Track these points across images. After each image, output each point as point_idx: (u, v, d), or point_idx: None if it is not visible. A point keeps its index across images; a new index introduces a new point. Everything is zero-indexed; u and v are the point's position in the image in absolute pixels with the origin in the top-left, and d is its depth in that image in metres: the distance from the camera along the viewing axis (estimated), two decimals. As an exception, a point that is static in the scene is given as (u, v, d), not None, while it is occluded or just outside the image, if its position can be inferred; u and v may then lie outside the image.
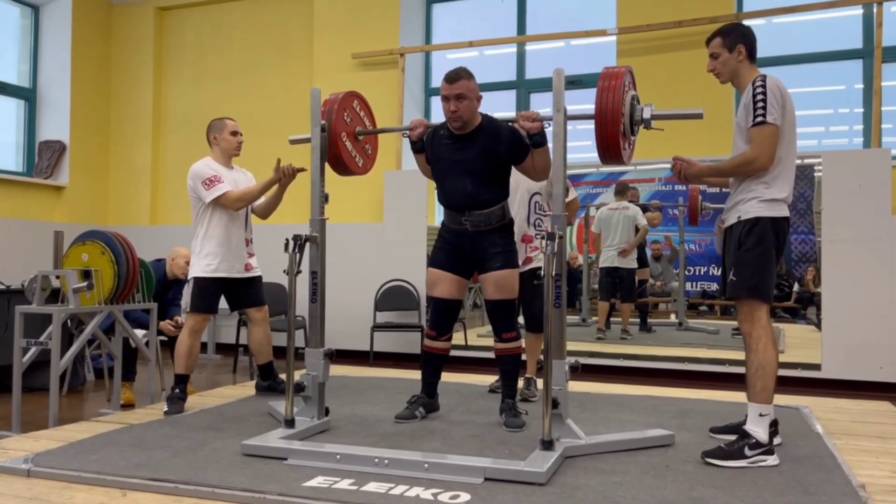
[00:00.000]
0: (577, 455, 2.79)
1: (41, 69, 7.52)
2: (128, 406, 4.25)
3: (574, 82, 6.33)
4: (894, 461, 2.85)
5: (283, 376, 4.02)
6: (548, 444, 2.67)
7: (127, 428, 3.29)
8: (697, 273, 7.07)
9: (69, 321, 4.46)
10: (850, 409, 3.93)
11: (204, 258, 3.80)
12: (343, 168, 3.51)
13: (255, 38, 7.46)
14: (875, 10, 5.48)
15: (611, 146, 2.85)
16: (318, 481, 2.48)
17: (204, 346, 6.77)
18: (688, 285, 7.05)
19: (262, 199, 3.94)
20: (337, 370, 4.63)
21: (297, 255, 3.14)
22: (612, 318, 6.68)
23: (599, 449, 2.87)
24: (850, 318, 5.16)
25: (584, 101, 6.64)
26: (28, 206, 7.12)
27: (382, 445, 2.92)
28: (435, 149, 3.43)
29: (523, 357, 3.63)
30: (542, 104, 6.83)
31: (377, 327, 6.19)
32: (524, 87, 6.83)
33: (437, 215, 3.62)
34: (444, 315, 3.47)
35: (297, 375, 3.19)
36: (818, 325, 5.63)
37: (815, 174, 5.88)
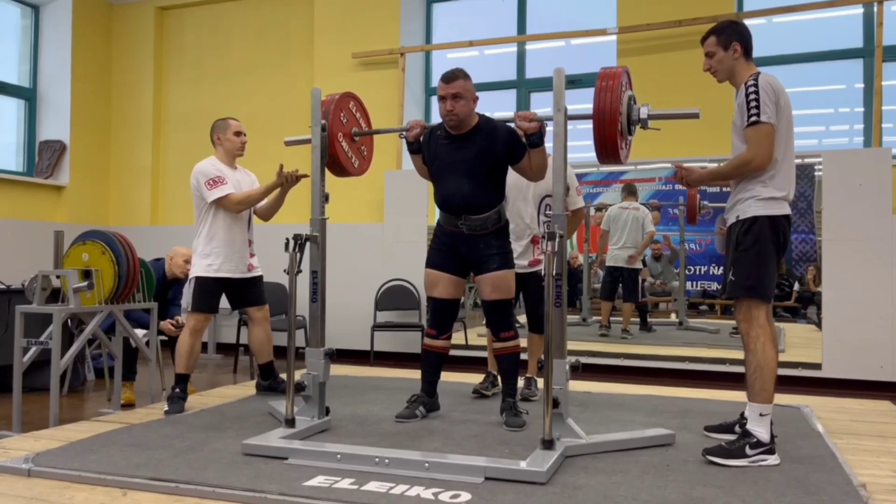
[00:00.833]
0: (578, 454, 2.79)
1: (41, 69, 7.52)
2: (128, 406, 4.25)
3: (574, 82, 6.33)
4: (895, 460, 2.85)
5: (283, 376, 4.02)
6: (548, 444, 2.68)
7: (127, 428, 3.29)
8: (698, 272, 7.07)
9: (69, 321, 4.46)
10: (851, 408, 3.93)
11: (206, 258, 3.79)
12: (339, 169, 3.51)
13: (255, 38, 7.46)
14: (875, 9, 5.48)
15: (609, 146, 2.87)
16: (318, 481, 2.48)
17: (204, 346, 6.76)
18: (688, 285, 7.05)
19: (264, 202, 3.94)
20: (337, 370, 4.63)
21: (298, 254, 3.14)
22: (612, 318, 6.68)
23: (600, 448, 2.87)
24: (851, 318, 5.16)
25: (584, 101, 6.60)
26: (28, 206, 7.12)
27: (383, 445, 2.92)
28: (432, 149, 3.44)
29: (523, 356, 3.63)
30: (542, 104, 6.83)
31: (377, 327, 6.19)
32: (524, 86, 6.83)
33: (438, 215, 3.62)
34: (445, 314, 3.48)
35: (298, 375, 3.19)
36: (819, 325, 5.63)
37: (816, 173, 5.88)
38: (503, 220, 3.44)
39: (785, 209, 2.85)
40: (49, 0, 7.46)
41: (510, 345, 3.41)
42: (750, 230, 2.82)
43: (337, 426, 3.29)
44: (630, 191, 6.62)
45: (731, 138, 2.94)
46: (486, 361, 4.24)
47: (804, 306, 7.08)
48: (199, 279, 3.79)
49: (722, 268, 6.43)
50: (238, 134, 3.91)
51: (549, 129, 2.99)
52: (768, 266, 2.82)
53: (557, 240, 2.75)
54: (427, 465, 2.56)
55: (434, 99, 7.15)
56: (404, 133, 3.47)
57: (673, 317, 7.18)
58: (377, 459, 2.61)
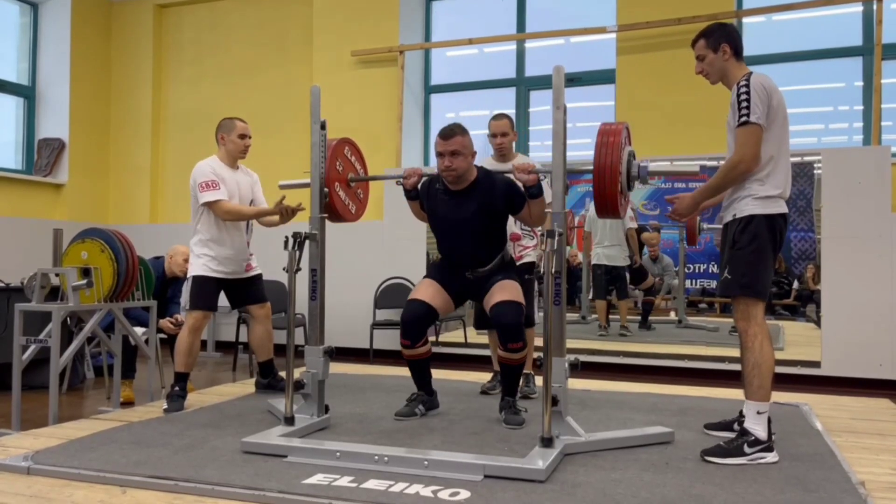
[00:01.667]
0: (577, 452, 2.79)
1: (40, 67, 7.51)
2: (127, 404, 4.25)
3: (574, 80, 6.34)
4: (894, 458, 2.85)
5: (282, 374, 4.02)
6: (547, 442, 2.68)
7: (127, 426, 3.29)
8: (697, 271, 7.08)
9: (69, 319, 4.46)
10: (850, 406, 3.93)
11: (203, 257, 3.79)
12: (336, 216, 3.50)
13: (254, 36, 7.46)
14: (875, 7, 5.48)
15: (609, 203, 2.90)
16: (317, 478, 2.48)
17: (204, 344, 6.77)
18: (687, 283, 7.06)
19: (265, 218, 3.90)
20: (337, 368, 4.62)
21: (297, 252, 3.14)
22: (610, 316, 6.69)
23: (599, 446, 2.87)
24: (850, 316, 5.16)
25: (583, 99, 6.69)
26: (27, 204, 7.12)
27: (382, 443, 2.92)
28: (431, 203, 3.46)
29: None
30: (541, 101, 6.84)
31: (377, 325, 6.19)
32: (524, 84, 6.83)
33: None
34: (417, 323, 3.36)
35: (297, 373, 3.19)
36: (818, 323, 5.64)
37: (815, 171, 5.88)
38: (507, 257, 3.49)
39: (782, 207, 2.85)
40: (48, -2, 7.47)
41: (517, 356, 3.29)
42: (747, 228, 2.82)
43: (336, 424, 3.29)
44: None
45: (727, 138, 2.95)
46: (486, 360, 4.24)
47: (803, 304, 7.10)
48: (196, 277, 3.79)
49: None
50: (243, 136, 3.89)
51: (548, 129, 2.99)
52: (765, 264, 2.82)
53: (557, 237, 2.75)
54: (426, 462, 2.56)
55: (433, 97, 7.16)
56: (401, 180, 3.45)
57: (672, 315, 7.19)
58: (376, 457, 2.61)
